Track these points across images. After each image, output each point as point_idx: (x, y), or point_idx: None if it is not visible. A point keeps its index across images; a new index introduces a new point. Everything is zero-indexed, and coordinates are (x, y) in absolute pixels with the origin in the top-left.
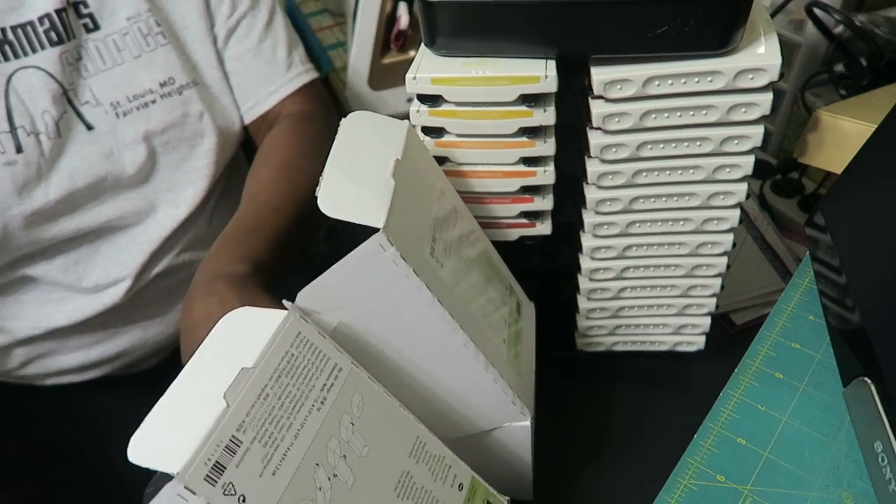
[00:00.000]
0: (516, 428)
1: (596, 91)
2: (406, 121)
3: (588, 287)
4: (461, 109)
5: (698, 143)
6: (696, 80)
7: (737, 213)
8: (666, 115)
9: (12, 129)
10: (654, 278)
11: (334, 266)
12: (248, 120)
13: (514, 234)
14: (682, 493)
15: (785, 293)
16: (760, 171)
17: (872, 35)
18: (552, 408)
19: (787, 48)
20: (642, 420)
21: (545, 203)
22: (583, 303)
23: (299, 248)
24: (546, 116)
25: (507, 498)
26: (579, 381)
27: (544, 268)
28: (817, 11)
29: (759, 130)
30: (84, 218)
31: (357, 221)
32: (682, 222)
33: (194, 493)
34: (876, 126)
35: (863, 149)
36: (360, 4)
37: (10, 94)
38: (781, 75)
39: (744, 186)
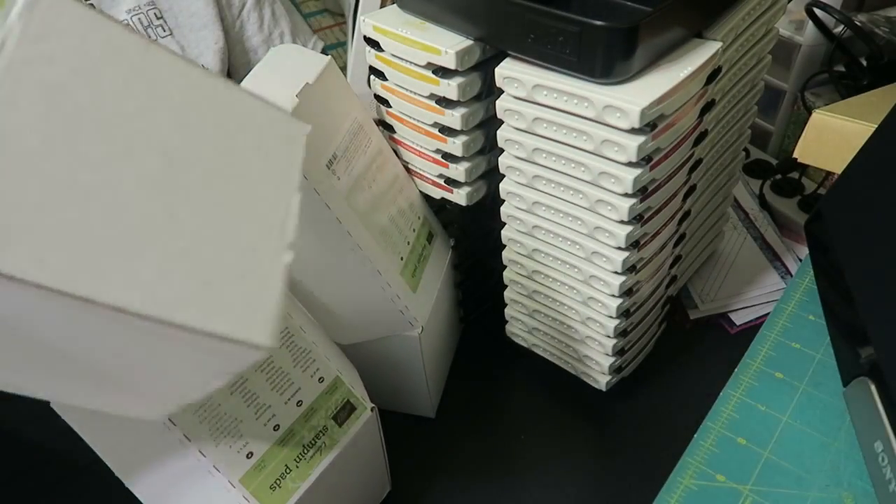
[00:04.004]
0: (406, 338)
1: (497, 83)
2: (328, 56)
3: (508, 276)
4: (394, 60)
5: (582, 168)
6: (575, 101)
7: (621, 255)
8: (554, 128)
9: None
10: (556, 292)
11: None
12: None
13: (436, 193)
14: (682, 493)
15: (785, 293)
16: (760, 171)
17: (872, 35)
18: (561, 407)
19: (787, 48)
20: (641, 419)
21: (458, 173)
22: (507, 291)
23: None
24: (449, 90)
25: (372, 405)
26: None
27: (475, 238)
28: (817, 11)
29: (629, 175)
30: None
31: None
32: (571, 244)
33: None
34: (876, 126)
35: (863, 149)
36: (361, 4)
37: None
38: (654, 126)
39: (624, 230)
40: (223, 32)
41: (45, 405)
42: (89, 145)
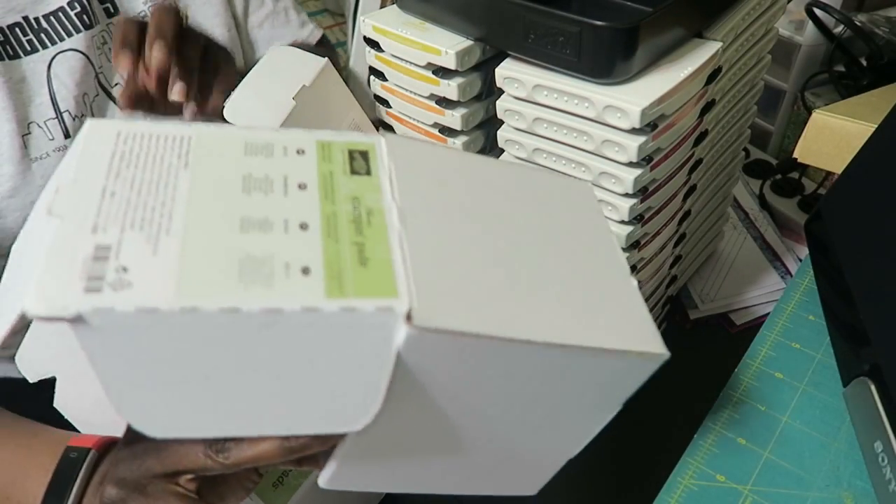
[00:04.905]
0: None
1: (497, 83)
2: (325, 58)
3: None
4: (394, 60)
5: (583, 168)
6: (576, 101)
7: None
8: (554, 128)
9: (58, 114)
10: None
11: None
12: None
13: None
14: (682, 493)
15: (785, 293)
16: (760, 171)
17: (872, 35)
18: None
19: (787, 48)
20: (641, 419)
21: None
22: None
23: None
24: (450, 90)
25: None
26: None
27: None
28: (817, 11)
29: (629, 175)
30: None
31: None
32: None
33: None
34: (876, 126)
35: (863, 149)
36: (361, 4)
37: (53, 80)
38: (654, 127)
39: (624, 230)
40: (233, 18)
41: (46, 404)
42: (461, 215)
